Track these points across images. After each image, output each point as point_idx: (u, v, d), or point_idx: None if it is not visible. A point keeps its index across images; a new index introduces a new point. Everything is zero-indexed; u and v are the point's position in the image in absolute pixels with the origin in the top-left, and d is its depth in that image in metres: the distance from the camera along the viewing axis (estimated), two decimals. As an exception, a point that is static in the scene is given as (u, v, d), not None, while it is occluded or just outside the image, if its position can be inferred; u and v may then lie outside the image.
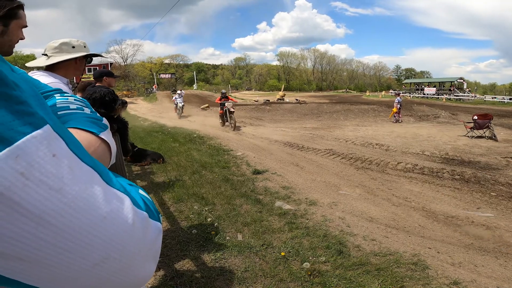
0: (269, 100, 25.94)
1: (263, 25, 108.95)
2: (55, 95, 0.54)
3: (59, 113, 0.49)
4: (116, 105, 2.23)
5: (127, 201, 0.30)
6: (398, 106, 14.42)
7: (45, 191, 0.23)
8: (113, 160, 0.51)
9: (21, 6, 1.16)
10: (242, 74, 76.82)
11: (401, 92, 30.90)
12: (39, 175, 0.23)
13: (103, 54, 2.35)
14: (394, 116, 14.58)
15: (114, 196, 0.29)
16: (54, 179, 0.24)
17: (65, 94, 0.56)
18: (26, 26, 1.23)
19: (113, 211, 0.28)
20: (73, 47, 1.64)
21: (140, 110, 20.54)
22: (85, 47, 1.73)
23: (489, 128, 9.11)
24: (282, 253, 2.49)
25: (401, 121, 14.37)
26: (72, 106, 0.51)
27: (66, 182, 0.25)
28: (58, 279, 0.25)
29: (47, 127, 0.25)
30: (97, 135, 0.48)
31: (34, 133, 0.24)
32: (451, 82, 39.71)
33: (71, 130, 0.46)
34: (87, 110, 0.53)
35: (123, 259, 0.28)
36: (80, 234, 0.25)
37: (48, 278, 0.25)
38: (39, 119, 0.25)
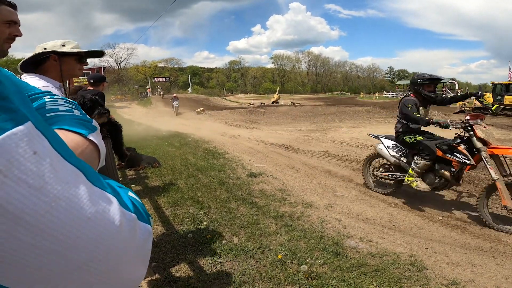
0: (264, 103, 26.06)
1: (257, 28, 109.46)
2: (44, 97, 0.54)
3: (48, 114, 0.49)
4: (93, 114, 1.99)
5: (114, 202, 0.29)
6: None
7: (24, 189, 0.22)
8: (102, 163, 0.50)
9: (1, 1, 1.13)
10: (237, 77, 76.98)
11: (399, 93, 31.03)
12: (18, 173, 0.22)
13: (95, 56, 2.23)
14: None
15: (100, 197, 0.28)
16: (34, 177, 0.23)
17: (55, 96, 0.55)
18: (15, 22, 1.18)
19: (98, 212, 0.27)
20: (63, 45, 1.61)
21: (135, 114, 20.44)
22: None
23: (482, 128, 9.21)
24: (279, 256, 2.47)
25: None
26: (61, 108, 0.51)
27: (47, 180, 0.24)
28: (38, 282, 0.24)
29: (29, 124, 0.24)
30: (85, 137, 0.47)
31: (14, 130, 0.23)
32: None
33: (58, 131, 0.45)
34: (76, 112, 0.52)
35: (110, 261, 0.28)
36: (62, 235, 0.24)
37: (27, 280, 0.24)
38: (20, 116, 0.24)
